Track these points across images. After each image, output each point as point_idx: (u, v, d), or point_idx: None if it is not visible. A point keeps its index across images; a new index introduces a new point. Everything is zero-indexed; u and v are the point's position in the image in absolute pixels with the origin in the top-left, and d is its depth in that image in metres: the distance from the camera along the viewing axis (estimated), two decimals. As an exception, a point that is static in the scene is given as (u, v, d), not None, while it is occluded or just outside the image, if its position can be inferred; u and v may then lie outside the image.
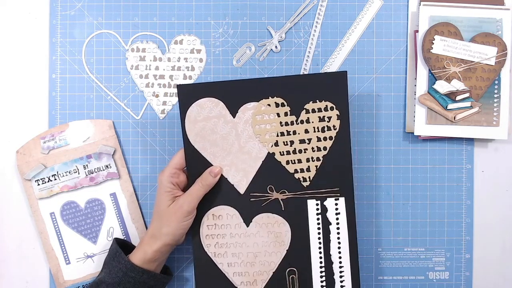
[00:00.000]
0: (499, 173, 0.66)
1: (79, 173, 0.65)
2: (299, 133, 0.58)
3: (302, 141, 0.58)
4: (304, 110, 0.58)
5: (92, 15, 0.67)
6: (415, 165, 0.66)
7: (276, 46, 0.66)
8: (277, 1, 0.66)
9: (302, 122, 0.58)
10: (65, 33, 0.66)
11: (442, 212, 0.66)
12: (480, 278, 0.66)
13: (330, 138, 0.58)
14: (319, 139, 0.58)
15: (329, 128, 0.58)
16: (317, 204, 0.59)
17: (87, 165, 0.65)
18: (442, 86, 0.63)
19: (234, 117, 0.59)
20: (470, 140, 0.66)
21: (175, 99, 0.66)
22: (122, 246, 0.59)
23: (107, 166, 0.65)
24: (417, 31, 0.65)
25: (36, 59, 0.67)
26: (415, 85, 0.65)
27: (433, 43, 0.63)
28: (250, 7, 0.66)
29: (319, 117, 0.58)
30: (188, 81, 0.66)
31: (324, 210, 0.59)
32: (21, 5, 0.67)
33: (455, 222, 0.66)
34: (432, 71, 0.64)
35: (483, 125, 0.64)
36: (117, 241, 0.60)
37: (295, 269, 0.59)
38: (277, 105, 0.58)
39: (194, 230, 0.59)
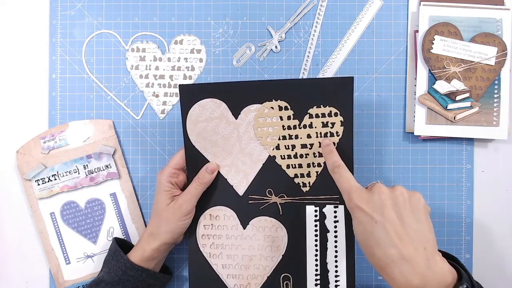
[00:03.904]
0: (499, 173, 0.66)
1: (79, 173, 0.65)
2: (301, 138, 0.57)
3: (303, 146, 0.57)
4: (308, 115, 0.57)
5: (92, 15, 0.66)
6: (415, 165, 0.66)
7: (276, 46, 0.66)
8: (277, 1, 0.66)
9: (304, 126, 0.57)
10: (65, 33, 0.66)
11: (442, 212, 0.66)
12: (480, 278, 0.65)
13: (333, 144, 0.57)
14: (321, 145, 0.57)
15: (332, 134, 0.57)
16: (315, 211, 0.57)
17: (87, 165, 0.65)
18: (442, 86, 0.63)
19: (236, 118, 0.58)
20: (470, 140, 0.66)
21: (175, 99, 0.66)
22: (122, 246, 0.59)
23: (107, 166, 0.65)
24: (417, 31, 0.65)
25: (36, 59, 0.67)
26: (415, 85, 0.65)
27: (433, 43, 0.63)
28: (250, 7, 0.66)
29: (323, 122, 0.57)
30: (188, 81, 0.66)
31: (322, 217, 0.57)
32: (21, 5, 0.67)
33: (455, 222, 0.66)
34: (432, 71, 0.64)
35: (483, 125, 0.64)
36: (116, 240, 0.60)
37: (289, 275, 0.58)
38: (280, 108, 0.57)
39: (190, 229, 0.59)
